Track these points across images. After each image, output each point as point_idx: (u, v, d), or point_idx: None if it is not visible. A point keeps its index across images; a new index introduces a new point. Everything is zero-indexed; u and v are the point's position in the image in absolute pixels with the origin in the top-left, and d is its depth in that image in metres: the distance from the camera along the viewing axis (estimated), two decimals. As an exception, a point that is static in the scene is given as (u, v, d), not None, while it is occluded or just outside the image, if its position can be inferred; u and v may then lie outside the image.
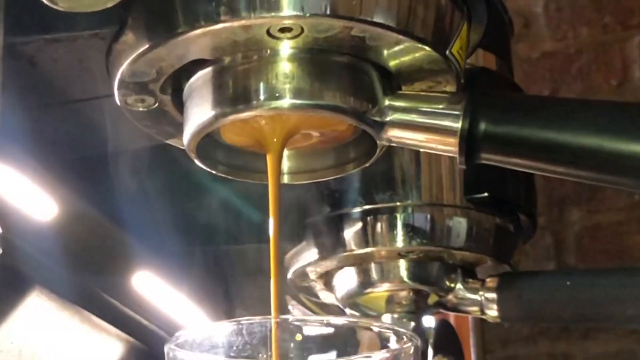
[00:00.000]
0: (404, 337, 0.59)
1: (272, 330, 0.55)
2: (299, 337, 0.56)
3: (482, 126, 0.58)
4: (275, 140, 0.61)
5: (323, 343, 0.57)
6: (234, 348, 0.56)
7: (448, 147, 0.60)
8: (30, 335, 0.91)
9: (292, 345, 0.57)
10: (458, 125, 0.59)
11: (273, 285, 0.58)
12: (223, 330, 0.57)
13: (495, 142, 0.59)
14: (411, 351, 0.58)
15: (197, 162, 0.63)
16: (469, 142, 0.59)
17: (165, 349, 0.57)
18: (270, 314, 0.58)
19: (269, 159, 0.61)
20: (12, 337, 0.88)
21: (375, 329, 0.59)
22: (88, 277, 0.94)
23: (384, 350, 0.58)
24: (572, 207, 1.42)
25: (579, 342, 1.37)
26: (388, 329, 0.60)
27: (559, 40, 1.47)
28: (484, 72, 0.86)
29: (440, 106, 0.60)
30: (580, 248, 1.42)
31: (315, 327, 0.58)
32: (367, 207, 0.84)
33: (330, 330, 0.58)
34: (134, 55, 0.58)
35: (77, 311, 0.96)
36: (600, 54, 1.44)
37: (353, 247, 0.85)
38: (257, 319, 0.57)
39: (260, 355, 0.57)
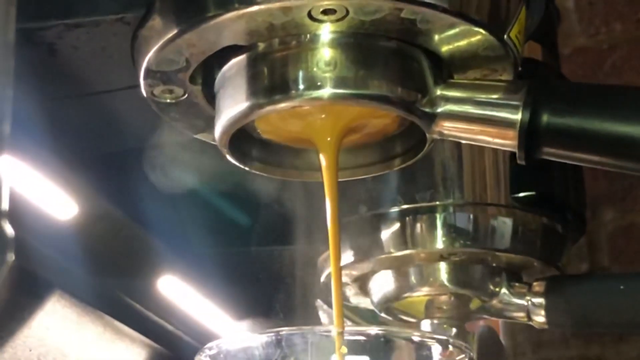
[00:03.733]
0: (453, 347, 0.56)
1: (336, 341, 0.52)
2: (344, 349, 0.52)
3: (545, 118, 0.54)
4: (329, 138, 0.56)
5: (372, 356, 0.53)
6: (273, 360, 0.53)
7: (506, 140, 0.55)
8: (49, 343, 0.88)
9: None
10: (517, 116, 0.54)
11: (335, 293, 0.55)
12: (260, 341, 0.54)
13: (558, 135, 0.54)
14: (465, 364, 0.55)
15: (229, 158, 0.58)
16: (530, 135, 0.54)
17: (196, 360, 0.53)
18: (305, 323, 0.55)
19: (326, 159, 0.57)
20: (30, 345, 0.85)
21: (430, 340, 0.55)
22: (111, 280, 0.91)
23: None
24: (605, 206, 1.38)
25: (613, 345, 1.33)
26: (442, 340, 0.56)
27: (591, 36, 1.43)
28: (530, 63, 0.82)
29: (498, 96, 0.55)
30: (613, 248, 1.38)
31: (367, 338, 0.54)
32: (406, 206, 0.81)
33: (381, 341, 0.54)
34: (161, 42, 0.54)
35: (99, 316, 0.93)
36: (634, 50, 1.40)
37: (391, 249, 0.81)
38: (298, 329, 0.53)
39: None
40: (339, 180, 0.60)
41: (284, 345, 0.53)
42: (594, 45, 1.41)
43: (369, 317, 0.95)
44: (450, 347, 0.56)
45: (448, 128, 0.56)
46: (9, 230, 0.35)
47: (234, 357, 0.54)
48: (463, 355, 0.55)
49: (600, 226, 1.37)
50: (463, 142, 0.59)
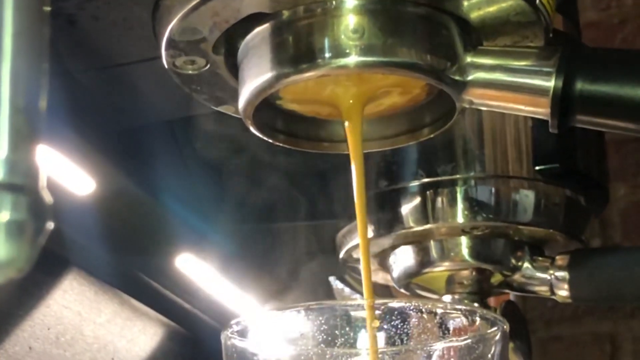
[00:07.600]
0: (482, 319, 0.54)
1: (367, 313, 0.51)
2: (376, 323, 0.51)
3: (579, 84, 0.52)
4: (352, 102, 0.55)
5: (403, 328, 0.52)
6: (302, 335, 0.53)
7: (538, 108, 0.54)
8: (67, 321, 0.87)
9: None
10: (550, 83, 0.53)
11: (364, 265, 0.53)
12: (288, 316, 0.53)
13: (592, 102, 0.53)
14: (497, 337, 0.53)
15: (253, 130, 0.57)
16: (563, 102, 0.53)
17: (222, 337, 0.53)
18: (324, 298, 0.54)
19: (350, 127, 0.56)
20: (49, 323, 0.84)
21: (459, 312, 0.53)
22: (128, 258, 0.90)
23: (468, 336, 0.53)
24: (617, 182, 1.37)
25: (625, 321, 1.32)
26: (468, 310, 0.55)
27: (602, 10, 1.41)
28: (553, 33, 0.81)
29: (529, 62, 0.54)
30: (626, 224, 1.37)
31: (390, 311, 0.53)
32: (426, 180, 0.80)
33: (412, 314, 0.52)
34: (184, 10, 0.53)
35: (116, 295, 0.92)
36: (645, 25, 1.38)
37: (411, 223, 0.80)
38: (326, 303, 0.52)
39: (329, 343, 0.52)
40: (366, 151, 0.60)
41: (312, 319, 0.52)
42: (605, 19, 1.39)
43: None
44: (478, 320, 0.55)
45: (478, 96, 0.55)
46: (48, 197, 0.34)
47: (260, 332, 0.53)
48: (495, 328, 0.53)
49: (613, 202, 1.36)
50: (493, 110, 0.58)
